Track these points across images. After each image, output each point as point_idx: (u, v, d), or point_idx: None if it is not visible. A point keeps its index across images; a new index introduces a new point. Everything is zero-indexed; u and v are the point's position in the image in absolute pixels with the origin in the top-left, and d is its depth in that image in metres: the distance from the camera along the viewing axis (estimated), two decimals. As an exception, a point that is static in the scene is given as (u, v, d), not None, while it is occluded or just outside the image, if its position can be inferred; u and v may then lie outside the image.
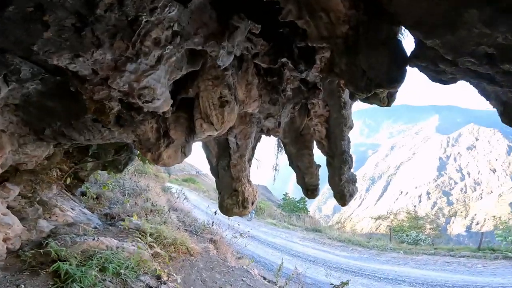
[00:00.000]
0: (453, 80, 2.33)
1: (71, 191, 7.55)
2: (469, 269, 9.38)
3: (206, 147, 5.71)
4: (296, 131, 4.94)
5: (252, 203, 5.44)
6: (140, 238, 5.08)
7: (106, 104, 2.61)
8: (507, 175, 67.90)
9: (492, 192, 65.20)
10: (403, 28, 3.03)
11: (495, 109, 2.46)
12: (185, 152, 3.94)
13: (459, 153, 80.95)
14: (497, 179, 68.41)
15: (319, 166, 5.17)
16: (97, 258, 3.79)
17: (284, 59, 4.00)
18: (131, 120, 3.35)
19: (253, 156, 5.82)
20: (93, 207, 7.11)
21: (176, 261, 5.27)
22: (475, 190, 69.10)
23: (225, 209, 5.53)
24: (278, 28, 3.82)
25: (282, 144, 5.75)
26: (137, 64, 2.59)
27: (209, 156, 5.69)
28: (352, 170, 4.49)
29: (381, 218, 23.84)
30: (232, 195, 5.25)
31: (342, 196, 4.39)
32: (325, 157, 4.90)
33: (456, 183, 73.62)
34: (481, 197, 65.95)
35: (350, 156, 4.28)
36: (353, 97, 3.01)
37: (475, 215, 59.67)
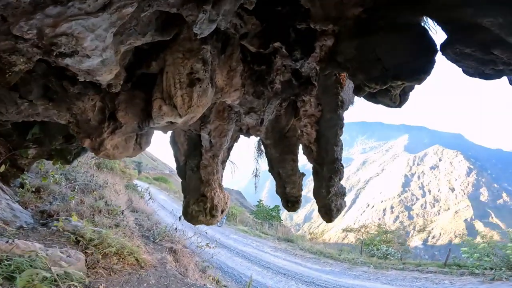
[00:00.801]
0: (498, 74, 1.77)
1: (7, 181, 6.25)
2: (437, 285, 9.32)
3: (174, 142, 4.84)
4: (280, 131, 4.25)
5: (222, 212, 4.64)
6: (74, 244, 4.05)
7: (3, 57, 1.71)
8: (464, 194, 73.80)
9: (449, 209, 70.37)
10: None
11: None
12: (140, 143, 3.07)
13: (423, 171, 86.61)
14: (455, 197, 74.12)
15: (303, 174, 4.52)
16: (4, 265, 2.98)
17: (277, 44, 3.34)
18: (63, 93, 2.43)
19: (228, 158, 5.04)
20: (29, 202, 5.82)
21: (120, 274, 4.26)
22: (434, 207, 74.12)
23: (190, 216, 4.69)
24: (275, 5, 3.17)
25: (263, 146, 5.03)
26: (64, 8, 1.75)
27: (177, 154, 4.83)
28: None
29: (353, 231, 24.07)
30: (199, 201, 4.43)
31: (329, 211, 3.76)
32: (312, 165, 4.26)
33: (417, 199, 78.45)
34: (439, 213, 70.90)
35: (342, 165, 3.68)
36: (359, 91, 2.39)
37: (432, 229, 63.85)
